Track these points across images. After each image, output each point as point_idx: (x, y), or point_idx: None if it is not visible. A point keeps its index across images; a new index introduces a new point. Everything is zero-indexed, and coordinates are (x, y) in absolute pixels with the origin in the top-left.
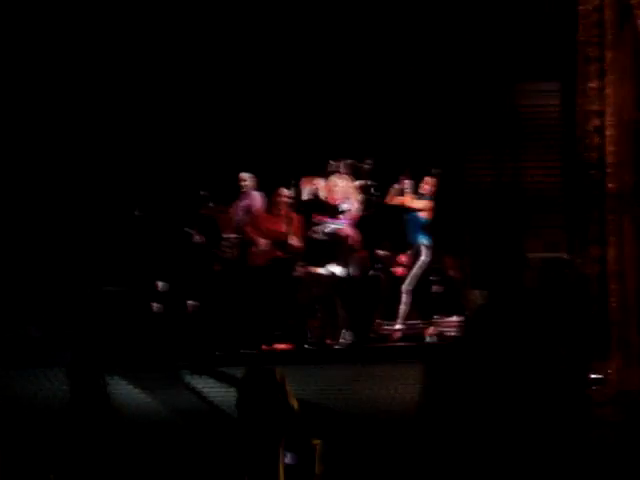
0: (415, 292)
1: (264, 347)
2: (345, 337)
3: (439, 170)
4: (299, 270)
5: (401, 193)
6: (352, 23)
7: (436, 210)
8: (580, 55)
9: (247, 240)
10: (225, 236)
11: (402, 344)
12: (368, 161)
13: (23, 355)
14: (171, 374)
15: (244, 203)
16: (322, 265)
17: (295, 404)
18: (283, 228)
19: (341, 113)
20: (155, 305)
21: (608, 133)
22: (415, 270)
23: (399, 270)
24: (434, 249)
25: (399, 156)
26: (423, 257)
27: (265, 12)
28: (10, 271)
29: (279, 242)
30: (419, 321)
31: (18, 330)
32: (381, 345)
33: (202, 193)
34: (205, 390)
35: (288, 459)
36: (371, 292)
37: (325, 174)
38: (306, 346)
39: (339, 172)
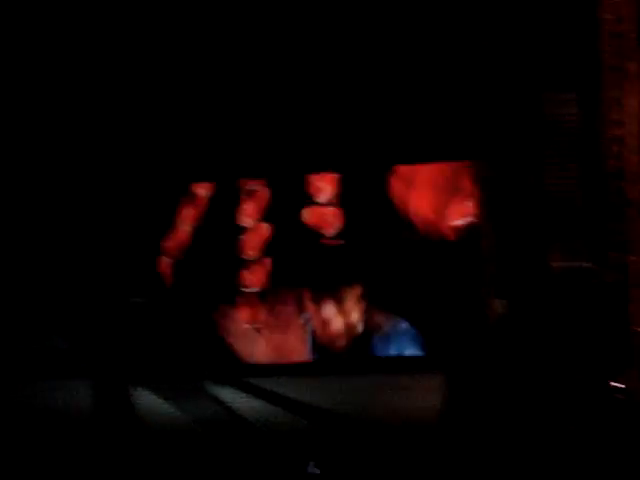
0: None
1: None
2: None
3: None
4: None
5: None
6: (378, 32)
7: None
8: (600, 65)
9: None
10: None
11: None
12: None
13: (49, 366)
14: (196, 385)
15: None
16: None
17: None
18: None
19: (365, 121)
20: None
21: (628, 142)
22: None
23: None
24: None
25: (421, 164)
26: None
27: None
28: (36, 282)
29: None
30: None
31: (44, 341)
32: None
33: None
34: (230, 401)
35: (311, 469)
36: None
37: None
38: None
39: None
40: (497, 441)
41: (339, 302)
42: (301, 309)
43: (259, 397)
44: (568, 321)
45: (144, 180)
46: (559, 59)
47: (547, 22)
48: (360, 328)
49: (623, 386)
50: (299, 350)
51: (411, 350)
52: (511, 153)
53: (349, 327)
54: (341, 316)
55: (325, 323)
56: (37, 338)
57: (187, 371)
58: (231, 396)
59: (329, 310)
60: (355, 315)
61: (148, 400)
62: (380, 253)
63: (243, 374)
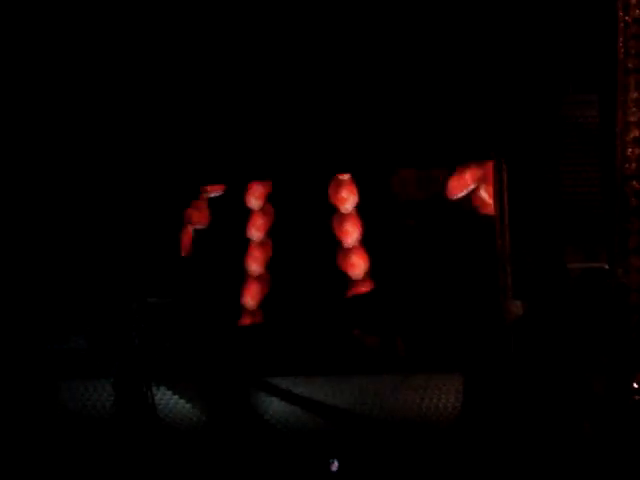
0: None
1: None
2: None
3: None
4: None
5: None
6: (395, 35)
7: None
8: (620, 67)
9: None
10: None
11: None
12: None
13: (70, 366)
14: (216, 385)
15: None
16: None
17: None
18: None
19: (381, 123)
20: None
21: None
22: None
23: None
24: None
25: (439, 164)
26: None
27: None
28: (57, 283)
29: None
30: None
31: (65, 342)
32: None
33: None
34: (249, 400)
35: (334, 467)
36: None
37: None
38: None
39: None
40: (514, 439)
41: None
42: None
43: (277, 396)
44: (586, 322)
45: (160, 184)
46: (579, 61)
47: (567, 25)
48: None
49: None
50: None
51: None
52: (530, 154)
53: None
54: None
55: None
56: (58, 339)
57: (207, 371)
58: (249, 395)
59: None
60: None
61: (169, 399)
62: (399, 255)
63: (260, 373)
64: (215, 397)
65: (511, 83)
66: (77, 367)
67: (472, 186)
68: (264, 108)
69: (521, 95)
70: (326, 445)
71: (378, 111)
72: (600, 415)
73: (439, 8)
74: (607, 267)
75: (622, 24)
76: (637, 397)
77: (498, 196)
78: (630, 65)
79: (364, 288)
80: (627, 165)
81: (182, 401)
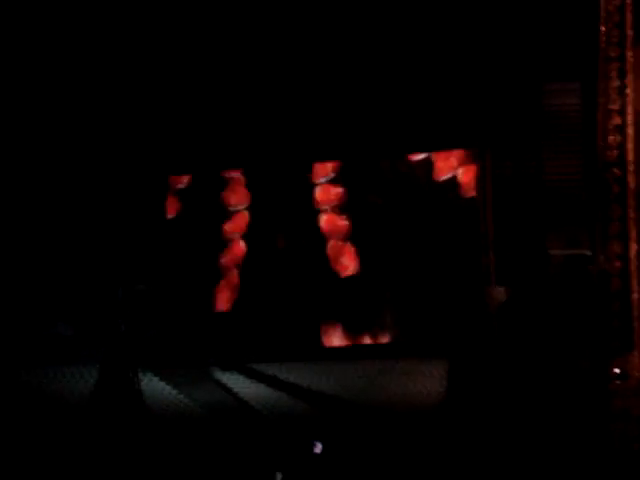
0: None
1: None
2: None
3: None
4: None
5: None
6: (384, 27)
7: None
8: (601, 55)
9: None
10: None
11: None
12: None
13: (55, 353)
14: (202, 371)
15: None
16: None
17: None
18: None
19: (372, 114)
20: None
21: (629, 131)
22: None
23: None
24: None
25: (423, 152)
26: None
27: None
28: (42, 270)
29: None
30: None
31: (50, 329)
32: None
33: None
34: (236, 387)
35: (317, 449)
36: None
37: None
38: None
39: None
40: (498, 425)
41: None
42: None
43: (263, 382)
44: (568, 308)
45: (146, 174)
46: (560, 50)
47: (549, 14)
48: None
49: (624, 370)
50: None
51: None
52: (512, 142)
53: None
54: None
55: None
56: (43, 326)
57: (192, 357)
58: (235, 381)
59: None
60: None
61: (155, 386)
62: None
63: (248, 360)
64: (200, 383)
65: (494, 72)
66: (64, 353)
67: (459, 169)
68: (248, 100)
69: (503, 83)
70: (310, 429)
71: (362, 101)
72: (581, 398)
73: (424, 5)
74: (589, 253)
75: (604, 12)
76: (618, 382)
77: (481, 184)
78: (612, 53)
79: (348, 273)
80: (608, 152)
81: (168, 387)
